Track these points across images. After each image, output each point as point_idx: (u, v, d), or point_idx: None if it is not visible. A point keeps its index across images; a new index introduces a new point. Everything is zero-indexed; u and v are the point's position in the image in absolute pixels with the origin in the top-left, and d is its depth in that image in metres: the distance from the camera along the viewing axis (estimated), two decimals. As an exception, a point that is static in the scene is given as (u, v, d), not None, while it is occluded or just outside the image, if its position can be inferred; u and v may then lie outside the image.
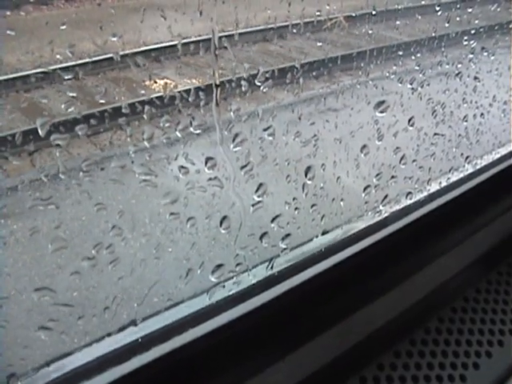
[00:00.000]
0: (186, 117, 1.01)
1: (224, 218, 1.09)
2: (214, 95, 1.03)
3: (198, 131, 1.03)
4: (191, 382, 1.07)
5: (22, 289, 0.94)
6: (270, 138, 1.10)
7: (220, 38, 0.99)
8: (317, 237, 1.21)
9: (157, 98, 1.12)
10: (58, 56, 0.99)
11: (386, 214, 1.30)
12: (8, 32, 0.89)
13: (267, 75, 1.13)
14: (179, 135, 1.02)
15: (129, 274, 1.03)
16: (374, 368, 1.21)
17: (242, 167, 1.08)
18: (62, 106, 0.98)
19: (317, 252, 1.20)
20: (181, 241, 1.06)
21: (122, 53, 0.96)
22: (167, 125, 1.00)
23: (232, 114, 1.05)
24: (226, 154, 1.06)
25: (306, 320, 1.17)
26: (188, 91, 1.08)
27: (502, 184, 1.47)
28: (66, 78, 1.02)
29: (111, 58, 0.94)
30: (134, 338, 1.03)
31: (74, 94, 1.03)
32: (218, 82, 1.02)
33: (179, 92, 1.10)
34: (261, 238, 1.14)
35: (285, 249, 1.18)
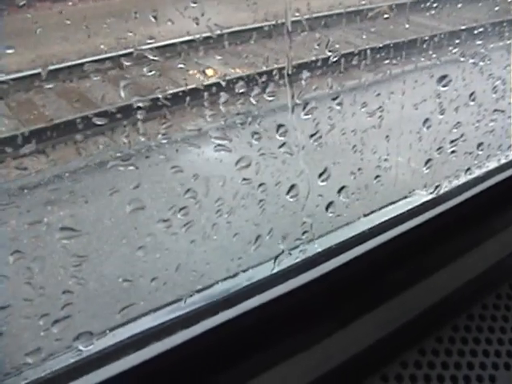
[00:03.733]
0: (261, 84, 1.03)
1: (292, 186, 1.11)
2: (287, 64, 1.05)
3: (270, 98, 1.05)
4: (256, 347, 1.08)
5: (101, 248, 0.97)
6: (338, 108, 1.12)
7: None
8: (379, 208, 1.21)
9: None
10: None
11: (446, 189, 1.30)
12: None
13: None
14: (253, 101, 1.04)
15: (201, 238, 1.04)
16: (397, 366, 1.13)
17: (311, 135, 1.10)
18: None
19: (378, 224, 1.21)
20: (252, 206, 1.07)
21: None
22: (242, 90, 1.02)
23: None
24: (297, 122, 1.08)
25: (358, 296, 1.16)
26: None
27: None
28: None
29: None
30: (200, 305, 1.05)
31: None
32: (290, 54, 1.05)
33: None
34: (327, 207, 1.15)
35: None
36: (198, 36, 0.98)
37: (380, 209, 1.23)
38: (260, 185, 1.07)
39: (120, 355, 0.93)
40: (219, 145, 1.03)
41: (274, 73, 1.05)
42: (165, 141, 0.98)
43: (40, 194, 0.94)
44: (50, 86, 0.92)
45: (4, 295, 0.97)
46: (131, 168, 0.98)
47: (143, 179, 0.97)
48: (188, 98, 1.00)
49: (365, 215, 1.21)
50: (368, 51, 1.12)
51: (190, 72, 0.99)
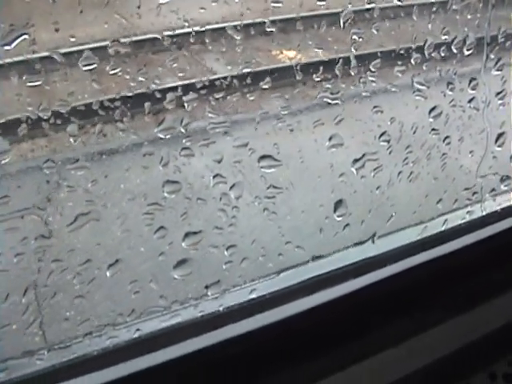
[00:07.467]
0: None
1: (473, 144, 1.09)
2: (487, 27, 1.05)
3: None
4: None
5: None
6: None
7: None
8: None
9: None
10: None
11: None
12: None
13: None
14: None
15: (386, 185, 1.02)
16: (505, 364, 1.07)
17: (497, 93, 1.08)
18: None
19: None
20: (434, 159, 1.05)
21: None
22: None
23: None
24: (487, 77, 1.06)
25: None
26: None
27: None
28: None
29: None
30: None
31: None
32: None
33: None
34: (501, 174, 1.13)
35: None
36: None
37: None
38: (446, 137, 1.05)
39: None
40: (418, 90, 1.01)
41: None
42: (372, 78, 0.96)
43: (251, 119, 0.91)
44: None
45: (199, 219, 0.93)
46: (337, 102, 0.96)
47: (346, 115, 0.95)
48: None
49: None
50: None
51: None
